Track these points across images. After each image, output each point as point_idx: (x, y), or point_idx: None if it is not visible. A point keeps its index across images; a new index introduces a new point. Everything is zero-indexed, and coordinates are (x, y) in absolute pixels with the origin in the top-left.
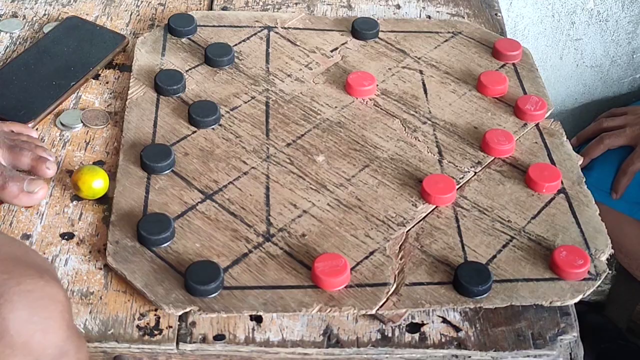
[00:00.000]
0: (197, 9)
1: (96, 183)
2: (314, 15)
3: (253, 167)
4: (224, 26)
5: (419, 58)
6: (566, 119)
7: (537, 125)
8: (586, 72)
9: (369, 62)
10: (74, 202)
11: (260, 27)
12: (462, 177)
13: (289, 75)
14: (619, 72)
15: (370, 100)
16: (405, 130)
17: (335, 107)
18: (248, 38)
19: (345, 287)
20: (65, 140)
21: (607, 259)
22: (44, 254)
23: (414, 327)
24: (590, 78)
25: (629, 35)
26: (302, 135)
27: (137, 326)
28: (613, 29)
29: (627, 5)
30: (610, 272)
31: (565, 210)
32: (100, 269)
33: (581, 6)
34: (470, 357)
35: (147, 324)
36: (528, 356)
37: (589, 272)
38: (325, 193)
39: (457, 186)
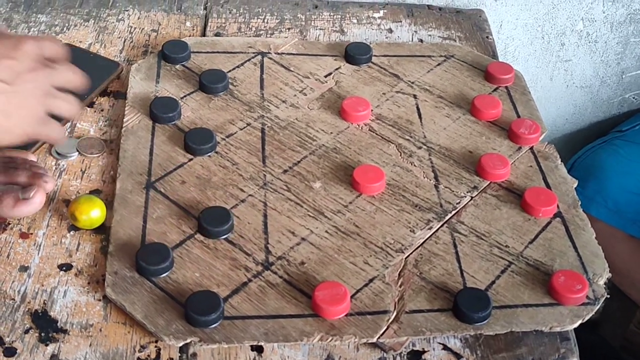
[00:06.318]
0: (190, 35)
1: (93, 213)
2: (306, 40)
3: (250, 195)
4: (218, 52)
5: (413, 82)
6: (557, 139)
7: (531, 148)
8: (576, 92)
9: (362, 87)
10: (72, 232)
11: (253, 52)
12: (459, 202)
13: (283, 101)
14: (609, 92)
15: (366, 125)
16: (400, 155)
17: (331, 132)
18: (242, 64)
19: (346, 315)
20: (61, 169)
21: (605, 283)
22: (42, 286)
23: (415, 355)
24: (581, 98)
25: (618, 55)
26: (299, 161)
27: (138, 358)
28: (602, 50)
29: (615, 27)
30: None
31: (562, 234)
32: (100, 300)
33: (570, 28)
34: None
35: (148, 356)
36: None
37: (587, 296)
38: (323, 220)
39: (454, 211)
